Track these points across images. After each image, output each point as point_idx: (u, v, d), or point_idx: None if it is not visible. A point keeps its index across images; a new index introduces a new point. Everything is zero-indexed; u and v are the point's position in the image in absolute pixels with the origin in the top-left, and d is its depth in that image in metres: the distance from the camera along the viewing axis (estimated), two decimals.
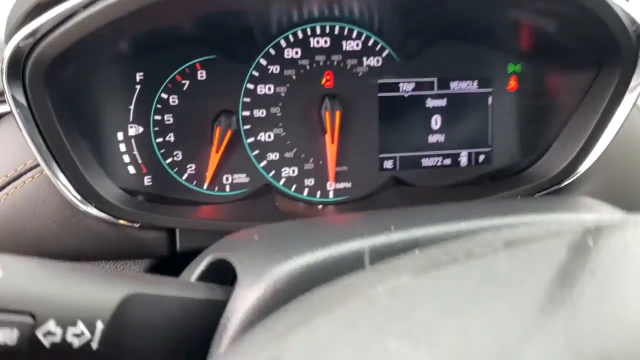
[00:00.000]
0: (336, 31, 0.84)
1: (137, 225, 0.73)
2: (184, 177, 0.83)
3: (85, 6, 0.56)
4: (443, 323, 0.28)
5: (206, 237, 0.72)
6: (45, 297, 0.39)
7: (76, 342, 0.40)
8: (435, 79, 0.88)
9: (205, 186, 0.84)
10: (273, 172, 0.86)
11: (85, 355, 0.40)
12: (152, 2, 0.57)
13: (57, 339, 0.39)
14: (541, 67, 0.88)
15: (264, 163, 0.85)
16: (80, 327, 0.40)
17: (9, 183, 0.71)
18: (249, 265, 0.48)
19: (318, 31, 0.84)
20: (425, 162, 0.90)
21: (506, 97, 0.91)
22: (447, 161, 0.91)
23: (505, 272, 0.32)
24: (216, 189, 0.84)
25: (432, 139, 0.90)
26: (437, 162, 0.91)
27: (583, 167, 0.82)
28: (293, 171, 0.86)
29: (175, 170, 0.83)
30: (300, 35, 0.83)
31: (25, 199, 0.71)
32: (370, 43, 0.85)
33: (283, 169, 0.86)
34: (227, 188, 0.85)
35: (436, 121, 0.89)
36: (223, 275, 0.52)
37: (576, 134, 0.81)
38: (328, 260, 0.48)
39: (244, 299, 0.46)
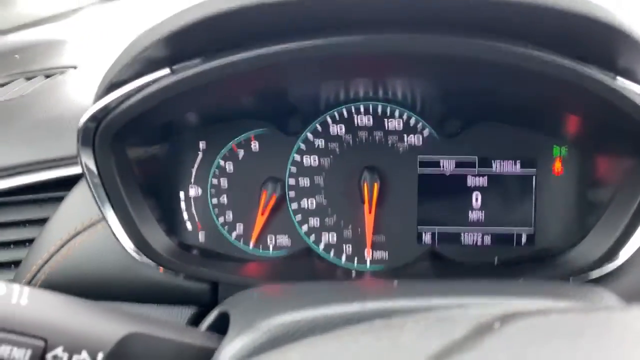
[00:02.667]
0: (379, 110, 0.91)
1: (183, 277, 0.82)
2: (234, 235, 0.92)
3: (142, 89, 0.68)
4: None
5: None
6: (58, 327, 0.48)
7: None
8: (476, 158, 0.91)
9: (251, 245, 0.92)
10: (313, 236, 0.92)
11: None
12: (188, 87, 0.68)
13: None
14: (586, 151, 0.88)
15: (305, 228, 0.92)
16: (84, 355, 0.48)
17: (78, 233, 0.83)
18: (240, 318, 0.54)
19: (362, 110, 0.91)
20: (466, 238, 0.92)
21: (551, 179, 0.91)
22: (487, 239, 0.92)
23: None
24: (260, 248, 0.92)
25: (473, 216, 0.92)
26: (477, 239, 0.92)
27: (623, 255, 0.80)
28: (332, 237, 0.92)
29: (226, 228, 0.92)
30: (345, 113, 0.91)
31: (93, 248, 0.83)
32: (411, 122, 0.91)
33: (323, 235, 0.92)
34: (270, 248, 0.92)
35: (477, 199, 0.92)
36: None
37: (614, 221, 0.80)
38: (311, 320, 0.53)
39: (231, 347, 0.52)
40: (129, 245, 0.79)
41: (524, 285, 0.62)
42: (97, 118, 0.71)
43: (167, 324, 0.56)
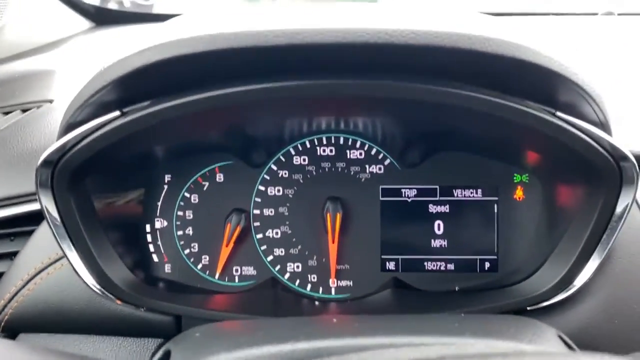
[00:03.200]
0: (341, 141, 0.93)
1: (143, 310, 0.83)
2: (199, 266, 0.93)
3: (95, 130, 0.71)
4: None
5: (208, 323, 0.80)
6: None
7: None
8: (437, 187, 0.92)
9: (216, 276, 0.93)
10: (279, 266, 0.93)
11: None
12: (138, 128, 0.70)
13: None
14: (546, 179, 0.89)
15: (270, 258, 0.93)
16: None
17: (44, 268, 0.85)
18: (179, 356, 0.56)
19: (324, 141, 0.93)
20: (429, 265, 0.93)
21: (513, 206, 0.92)
22: (451, 266, 0.93)
23: None
24: (226, 279, 0.94)
25: (436, 243, 0.93)
26: (441, 266, 0.93)
27: (579, 282, 0.80)
28: (297, 267, 0.93)
29: (192, 260, 0.93)
30: (307, 144, 0.93)
31: (57, 282, 0.84)
32: (372, 152, 0.93)
33: (288, 264, 0.93)
34: (236, 279, 0.94)
35: (439, 227, 0.93)
36: None
37: (569, 249, 0.80)
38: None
39: None
40: (90, 281, 0.80)
41: (463, 320, 0.63)
42: (52, 161, 0.73)
43: None
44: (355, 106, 0.81)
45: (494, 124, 0.75)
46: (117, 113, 0.71)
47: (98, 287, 0.80)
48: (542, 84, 0.66)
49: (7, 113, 1.10)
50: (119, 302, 0.81)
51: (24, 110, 1.09)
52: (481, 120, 0.75)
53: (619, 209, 0.74)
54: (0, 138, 1.02)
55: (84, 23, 1.62)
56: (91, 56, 1.31)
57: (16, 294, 0.85)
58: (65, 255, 0.79)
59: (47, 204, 0.75)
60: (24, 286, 0.85)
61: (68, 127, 0.74)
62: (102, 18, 1.61)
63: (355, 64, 0.68)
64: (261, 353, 0.55)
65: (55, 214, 0.76)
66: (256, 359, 0.55)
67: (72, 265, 0.79)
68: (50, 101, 1.10)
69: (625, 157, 0.71)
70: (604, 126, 0.72)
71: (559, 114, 0.70)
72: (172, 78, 0.69)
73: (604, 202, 0.75)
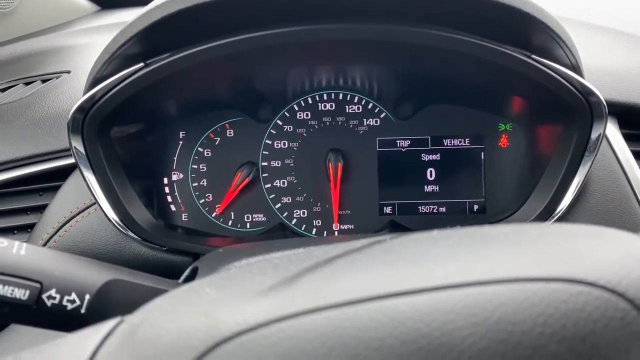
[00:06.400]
0: (340, 97, 1.01)
1: (165, 249, 0.92)
2: (213, 215, 1.02)
3: (120, 82, 0.79)
4: None
5: None
6: (51, 273, 0.58)
7: (69, 306, 0.58)
8: (429, 137, 1.01)
9: (229, 223, 1.02)
10: (286, 213, 1.02)
11: (76, 315, 0.58)
12: (160, 77, 0.78)
13: (56, 301, 0.57)
14: (527, 125, 0.98)
15: (278, 205, 1.02)
16: (74, 296, 0.58)
17: (73, 217, 0.93)
18: (206, 267, 0.65)
19: (325, 97, 1.01)
20: (422, 209, 1.02)
21: (498, 153, 1.01)
22: (443, 209, 1.02)
23: None
24: (239, 225, 1.02)
25: (428, 189, 1.02)
26: (433, 209, 1.02)
27: (559, 211, 0.89)
28: (303, 213, 1.02)
29: (206, 209, 1.02)
30: (310, 100, 1.01)
31: (85, 228, 0.93)
32: (369, 107, 1.01)
33: (295, 211, 1.02)
34: (248, 225, 1.02)
35: (431, 173, 1.02)
36: None
37: (549, 183, 0.89)
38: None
39: None
40: (117, 222, 0.89)
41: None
42: (84, 109, 0.81)
43: (145, 274, 0.66)
44: (352, 54, 0.89)
45: (478, 70, 0.84)
46: (140, 64, 0.79)
47: (124, 227, 0.88)
48: (518, 27, 0.75)
49: (28, 83, 1.18)
50: (143, 242, 0.89)
51: (44, 81, 1.17)
52: (467, 67, 0.84)
53: (591, 139, 0.83)
54: (24, 104, 1.10)
55: (89, 7, 1.70)
56: (101, 34, 1.40)
57: (48, 240, 0.94)
58: (94, 197, 0.87)
59: (78, 147, 0.83)
60: (55, 233, 0.94)
61: (95, 81, 0.82)
62: (107, 1, 1.69)
63: (352, 10, 0.77)
64: (280, 255, 0.63)
65: (84, 156, 0.84)
66: (275, 259, 0.63)
67: (100, 206, 0.87)
68: (68, 72, 1.19)
69: (593, 94, 0.80)
70: (575, 68, 0.81)
71: (534, 56, 0.78)
72: (190, 30, 0.77)
73: (577, 137, 0.84)
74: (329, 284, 0.39)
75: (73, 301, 0.59)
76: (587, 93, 0.80)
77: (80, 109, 0.81)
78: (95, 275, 0.61)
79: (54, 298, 0.58)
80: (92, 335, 0.42)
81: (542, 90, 0.82)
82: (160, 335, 0.39)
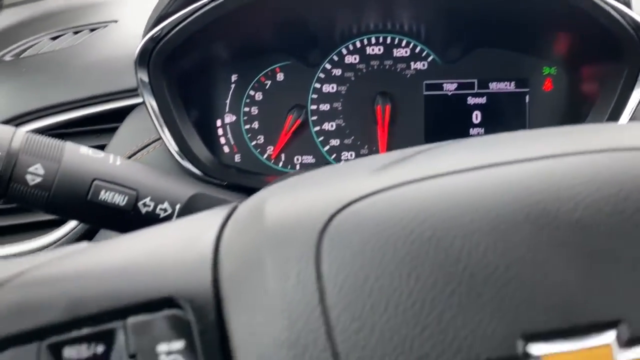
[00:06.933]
0: (388, 41, 1.04)
1: (225, 184, 0.95)
2: (265, 156, 1.05)
3: (187, 17, 0.82)
4: None
5: None
6: (146, 183, 0.62)
7: (162, 214, 0.61)
8: (475, 81, 1.04)
9: (280, 164, 1.05)
10: (334, 155, 1.05)
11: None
12: (223, 12, 0.81)
13: (150, 209, 0.61)
14: (573, 68, 1.00)
15: (327, 148, 1.05)
16: (166, 205, 0.62)
17: (131, 156, 0.97)
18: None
19: (373, 41, 1.04)
20: None
21: (542, 97, 1.03)
22: None
23: None
24: (289, 167, 1.06)
25: (474, 131, 1.04)
26: None
27: None
28: (351, 155, 1.05)
29: (258, 151, 1.05)
30: (358, 44, 1.04)
31: (152, 161, 0.96)
32: (417, 50, 1.04)
33: (342, 153, 1.05)
34: (297, 167, 1.06)
35: (477, 116, 1.04)
36: None
37: (600, 114, 0.92)
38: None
39: None
40: (178, 155, 0.92)
41: None
42: (155, 39, 0.84)
43: (225, 191, 0.69)
44: None
45: (529, 6, 0.86)
46: (205, 0, 0.82)
47: (185, 160, 0.91)
48: None
49: (77, 32, 1.20)
50: (204, 176, 0.93)
51: (92, 30, 1.20)
52: (518, 2, 0.86)
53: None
54: (74, 51, 1.13)
55: None
56: None
57: None
58: (158, 131, 0.90)
59: (143, 77, 0.86)
60: None
61: (160, 18, 0.85)
62: None
63: None
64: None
65: (149, 86, 0.87)
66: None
67: (164, 138, 0.90)
68: (115, 21, 1.21)
69: None
70: (627, 3, 0.83)
71: None
72: None
73: (627, 72, 0.86)
74: (444, 158, 0.43)
75: (165, 210, 0.62)
76: (638, 27, 0.83)
77: (151, 39, 0.84)
78: (184, 188, 0.64)
79: (149, 206, 0.62)
80: (214, 215, 0.46)
81: (592, 26, 0.84)
82: (286, 208, 0.42)
